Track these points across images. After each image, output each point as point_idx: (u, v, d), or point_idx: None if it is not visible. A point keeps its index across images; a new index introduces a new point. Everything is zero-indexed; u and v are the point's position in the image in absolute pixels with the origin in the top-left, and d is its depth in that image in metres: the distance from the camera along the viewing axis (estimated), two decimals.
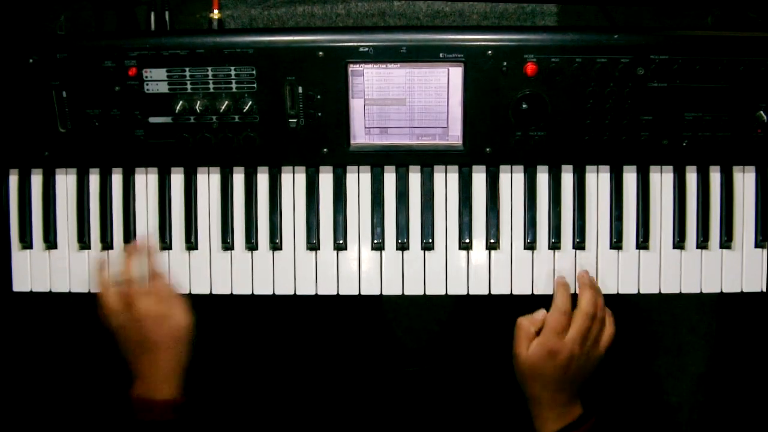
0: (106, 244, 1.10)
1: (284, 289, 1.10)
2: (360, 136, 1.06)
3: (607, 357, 1.06)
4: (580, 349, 1.01)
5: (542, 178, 1.09)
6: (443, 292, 1.09)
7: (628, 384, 1.51)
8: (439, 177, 1.09)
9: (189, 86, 1.04)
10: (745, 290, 1.09)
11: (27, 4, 1.32)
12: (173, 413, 1.02)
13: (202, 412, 1.12)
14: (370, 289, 1.10)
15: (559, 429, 1.02)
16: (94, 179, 1.11)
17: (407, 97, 1.05)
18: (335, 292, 1.10)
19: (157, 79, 1.03)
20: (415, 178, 1.09)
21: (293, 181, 1.10)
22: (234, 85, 1.04)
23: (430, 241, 1.09)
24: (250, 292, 1.10)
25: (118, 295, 1.04)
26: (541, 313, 1.04)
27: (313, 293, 1.10)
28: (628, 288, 1.09)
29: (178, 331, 1.04)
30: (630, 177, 1.09)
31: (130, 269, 1.06)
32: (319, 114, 1.04)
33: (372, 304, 1.50)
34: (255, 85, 1.03)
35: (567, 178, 1.09)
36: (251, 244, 1.09)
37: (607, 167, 1.09)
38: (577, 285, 1.06)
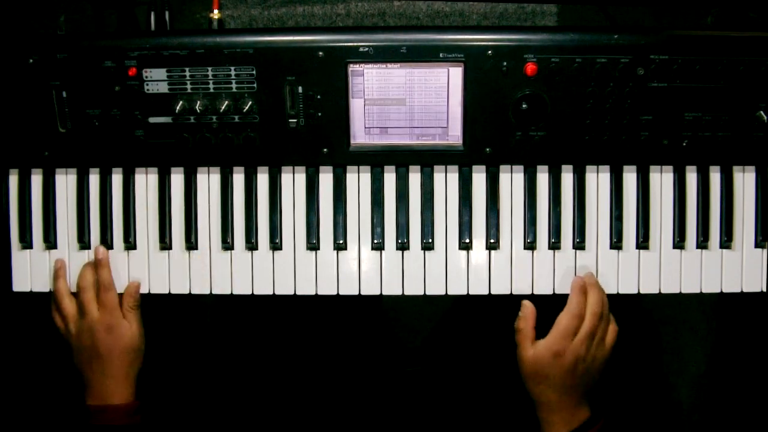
0: (107, 244, 1.10)
1: (284, 289, 1.10)
2: (360, 136, 1.06)
3: (612, 358, 1.05)
4: (586, 350, 1.02)
5: (542, 178, 1.09)
6: (443, 292, 1.09)
7: (627, 384, 1.51)
8: (439, 177, 1.09)
9: (189, 86, 1.04)
10: (745, 290, 1.09)
11: (27, 4, 1.32)
12: (128, 417, 1.05)
13: (164, 414, 1.14)
14: (370, 289, 1.10)
15: None
16: (94, 179, 1.11)
17: (407, 97, 1.05)
18: (335, 292, 1.10)
19: (157, 79, 1.03)
20: (415, 178, 1.09)
21: (293, 181, 1.10)
22: (234, 85, 1.04)
23: (430, 241, 1.09)
24: (250, 292, 1.10)
25: (73, 302, 1.08)
26: (528, 308, 1.05)
27: (313, 293, 1.10)
28: (628, 288, 1.09)
29: (126, 342, 1.07)
30: (630, 177, 1.09)
31: (86, 280, 1.08)
32: (319, 114, 1.04)
33: (372, 304, 1.50)
34: (255, 85, 1.03)
35: (567, 178, 1.09)
36: (251, 244, 1.09)
37: (607, 167, 1.09)
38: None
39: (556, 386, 1.02)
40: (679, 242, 1.08)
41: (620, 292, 1.09)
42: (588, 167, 1.09)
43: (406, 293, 1.10)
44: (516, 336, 1.05)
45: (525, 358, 1.03)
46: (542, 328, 1.05)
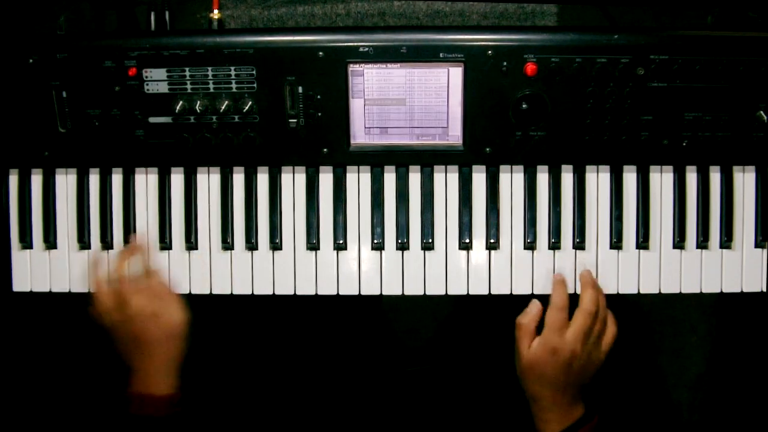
0: (106, 244, 1.10)
1: (284, 289, 1.10)
2: (360, 136, 1.06)
3: (608, 357, 1.05)
4: (582, 347, 1.01)
5: (542, 178, 1.09)
6: (443, 292, 1.09)
7: (628, 384, 1.51)
8: (439, 177, 1.09)
9: (189, 86, 1.04)
10: (745, 290, 1.09)
11: (27, 4, 1.32)
12: (170, 408, 1.03)
13: (201, 408, 1.13)
14: (370, 289, 1.10)
15: (563, 429, 1.01)
16: (94, 179, 1.11)
17: (407, 97, 1.05)
18: (335, 292, 1.10)
19: (157, 79, 1.03)
20: (415, 178, 1.09)
21: (293, 181, 1.10)
22: (234, 85, 1.04)
23: (430, 241, 1.09)
24: (250, 292, 1.10)
25: (112, 294, 1.05)
26: (534, 307, 1.04)
27: (313, 293, 1.10)
28: (628, 288, 1.09)
29: (172, 328, 1.05)
30: (630, 177, 1.09)
31: (123, 267, 1.06)
32: (319, 114, 1.04)
33: (372, 304, 1.50)
34: (255, 85, 1.03)
35: (567, 178, 1.09)
36: (251, 244, 1.09)
37: (607, 167, 1.09)
38: (579, 284, 1.06)
39: (551, 383, 1.01)
40: (679, 242, 1.08)
41: (620, 292, 1.09)
42: (588, 167, 1.09)
43: (406, 293, 1.10)
44: (516, 331, 1.04)
45: (523, 355, 1.03)
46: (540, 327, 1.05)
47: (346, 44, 1.02)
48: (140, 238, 1.08)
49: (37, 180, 1.11)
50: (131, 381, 1.05)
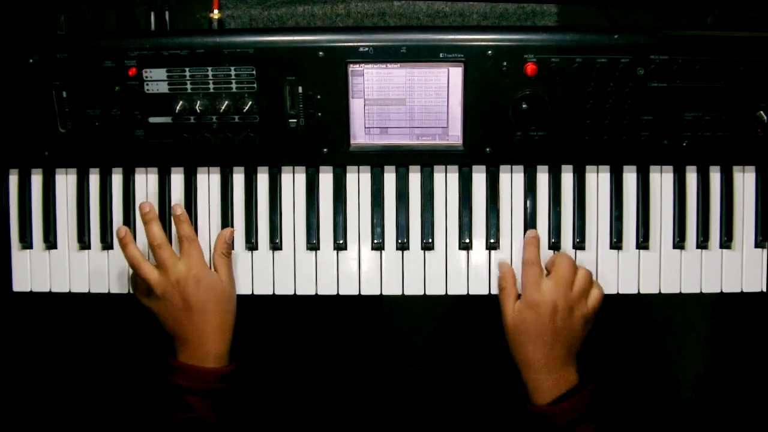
0: (106, 244, 1.10)
1: (284, 289, 1.10)
2: (360, 136, 1.06)
3: (608, 357, 1.05)
4: (564, 299, 1.01)
5: (542, 178, 1.09)
6: (443, 292, 1.09)
7: (627, 384, 1.51)
8: (439, 177, 1.09)
9: (189, 86, 1.04)
10: (745, 290, 1.09)
11: (27, 4, 1.32)
12: (217, 382, 1.02)
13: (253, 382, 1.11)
14: (370, 289, 1.10)
15: (557, 397, 1.00)
16: (94, 179, 1.11)
17: (407, 97, 1.05)
18: (335, 292, 1.10)
19: (157, 79, 1.03)
20: (415, 178, 1.09)
21: (293, 181, 1.10)
22: (234, 85, 1.04)
23: (430, 241, 1.09)
24: (250, 292, 1.10)
25: (151, 266, 1.05)
26: (505, 267, 1.07)
27: (313, 293, 1.10)
28: (628, 288, 1.09)
29: (218, 292, 1.05)
30: (630, 177, 1.09)
31: (156, 236, 1.05)
32: (319, 114, 1.04)
33: (372, 304, 1.50)
34: (255, 85, 1.03)
35: (567, 178, 1.09)
36: (251, 244, 1.09)
37: (607, 167, 1.09)
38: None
39: (538, 339, 1.01)
40: (679, 242, 1.08)
41: (620, 292, 1.09)
42: (588, 167, 1.09)
43: (406, 293, 1.10)
44: (500, 296, 1.06)
45: (507, 316, 1.04)
46: None
47: (346, 44, 1.02)
48: (183, 210, 1.07)
49: (37, 180, 1.11)
50: (180, 353, 1.04)
